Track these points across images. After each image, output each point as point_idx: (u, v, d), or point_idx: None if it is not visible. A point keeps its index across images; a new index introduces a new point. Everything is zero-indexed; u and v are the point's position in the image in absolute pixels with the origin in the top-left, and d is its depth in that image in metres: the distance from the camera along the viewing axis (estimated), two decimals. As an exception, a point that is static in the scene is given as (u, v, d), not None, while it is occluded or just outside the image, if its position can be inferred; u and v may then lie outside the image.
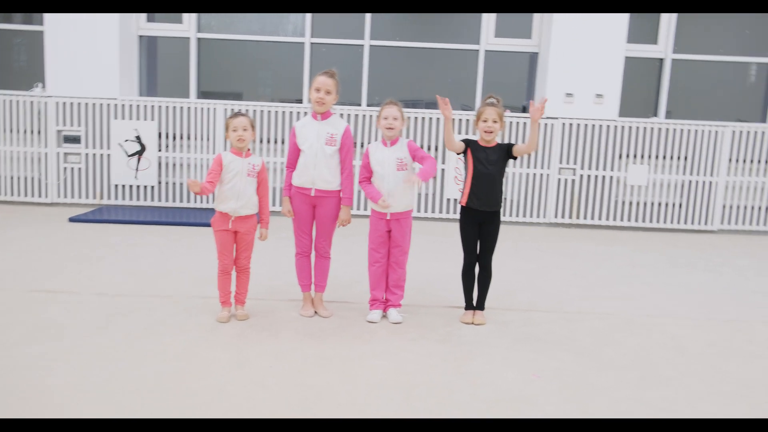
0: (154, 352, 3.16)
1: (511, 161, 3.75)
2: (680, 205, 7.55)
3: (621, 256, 5.94)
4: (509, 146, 3.67)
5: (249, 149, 3.74)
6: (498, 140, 3.75)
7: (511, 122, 7.37)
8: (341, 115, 7.38)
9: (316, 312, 3.88)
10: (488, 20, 7.78)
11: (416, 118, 7.41)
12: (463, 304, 3.88)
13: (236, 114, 3.66)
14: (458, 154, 3.75)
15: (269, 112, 7.44)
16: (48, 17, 7.28)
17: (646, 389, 2.94)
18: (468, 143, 3.69)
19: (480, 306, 3.82)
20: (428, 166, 3.66)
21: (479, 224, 3.73)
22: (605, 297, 4.47)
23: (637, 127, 7.42)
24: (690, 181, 7.49)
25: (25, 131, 7.46)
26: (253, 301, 4.01)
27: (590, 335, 3.65)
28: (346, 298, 4.20)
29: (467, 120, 7.37)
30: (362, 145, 7.47)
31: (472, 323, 3.75)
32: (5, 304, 3.82)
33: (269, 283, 4.50)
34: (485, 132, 3.67)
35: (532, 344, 3.46)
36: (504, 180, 3.76)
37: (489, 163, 3.65)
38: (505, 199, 7.48)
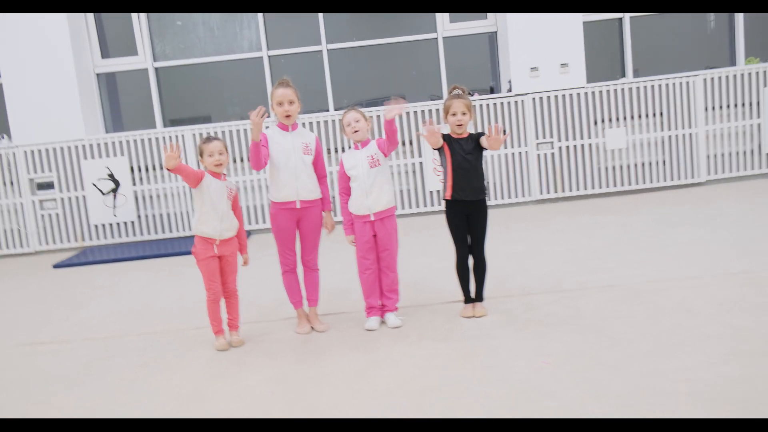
0: (149, 393, 3.04)
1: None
2: (664, 162, 7.50)
3: (612, 223, 5.87)
4: (478, 136, 3.62)
5: (225, 173, 3.65)
6: (470, 129, 3.69)
7: (481, 104, 7.29)
8: (310, 123, 7.28)
9: (312, 328, 3.77)
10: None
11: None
12: (461, 297, 3.79)
13: (209, 139, 3.56)
14: (434, 149, 3.67)
15: (238, 131, 7.31)
16: (5, 68, 7.12)
17: (662, 359, 2.84)
18: (443, 137, 3.61)
19: (479, 297, 3.73)
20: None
21: (466, 215, 3.64)
22: (603, 269, 4.39)
23: (608, 91, 7.37)
24: (670, 137, 7.45)
25: (-4, 185, 7.30)
26: (246, 325, 3.90)
27: (594, 311, 3.57)
28: (341, 309, 4.10)
29: (437, 110, 7.28)
30: (336, 151, 7.36)
31: (473, 316, 3.66)
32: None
33: (260, 303, 4.39)
34: (456, 125, 3.61)
35: (537, 329, 3.37)
36: (484, 166, 3.69)
37: (466, 153, 3.58)
38: (488, 183, 7.40)
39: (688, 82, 7.36)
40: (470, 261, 3.72)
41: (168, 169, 3.34)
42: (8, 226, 7.35)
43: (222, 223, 3.54)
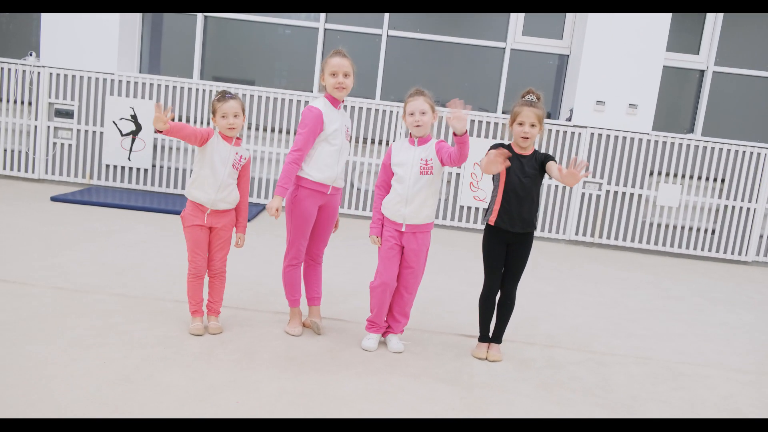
0: (98, 369, 2.60)
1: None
2: (713, 232, 6.94)
3: (650, 284, 5.34)
4: (545, 159, 3.07)
5: (239, 137, 3.19)
6: (535, 146, 3.18)
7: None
8: (352, 107, 6.84)
9: (308, 325, 3.33)
10: (517, 16, 7.19)
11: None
12: (476, 333, 3.30)
13: (224, 97, 3.07)
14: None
15: (283, 99, 6.87)
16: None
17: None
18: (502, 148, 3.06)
19: (497, 339, 3.23)
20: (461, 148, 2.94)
21: (507, 244, 3.14)
22: (638, 335, 3.88)
23: (672, 143, 6.82)
24: (726, 206, 6.88)
25: (15, 101, 6.95)
26: (231, 310, 3.46)
27: (625, 385, 3.06)
28: (341, 315, 3.63)
29: (479, 122, 6.78)
30: (380, 143, 6.92)
31: (486, 359, 3.17)
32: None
33: (256, 289, 3.94)
34: (522, 138, 3.07)
35: (558, 393, 2.87)
36: (540, 194, 3.16)
37: (524, 175, 3.05)
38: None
39: (759, 153, 6.79)
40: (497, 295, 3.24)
41: (158, 132, 2.90)
42: (17, 147, 7.00)
43: (219, 192, 3.07)
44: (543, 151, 6.26)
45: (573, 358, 3.34)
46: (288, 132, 6.94)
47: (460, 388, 2.81)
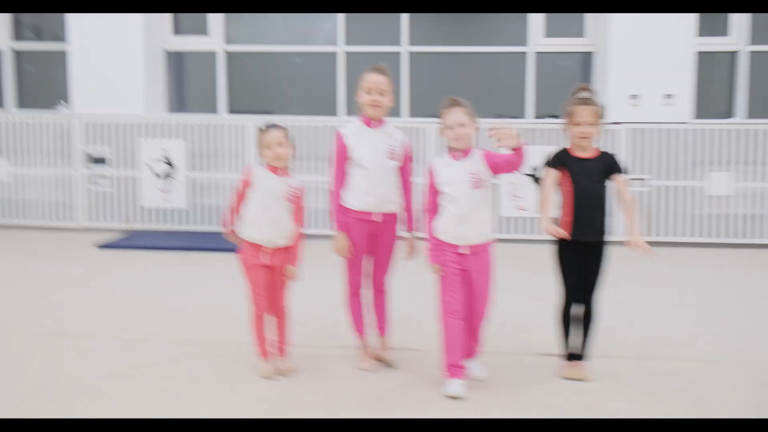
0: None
1: None
2: (773, 217, 6.62)
3: (719, 279, 5.06)
4: (610, 169, 2.89)
5: (287, 167, 3.05)
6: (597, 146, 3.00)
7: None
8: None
9: (377, 360, 3.16)
10: (536, 19, 7.02)
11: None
12: (554, 351, 3.10)
13: (267, 128, 2.98)
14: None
15: (310, 127, 6.77)
16: (73, 36, 6.84)
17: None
18: (559, 160, 2.91)
19: (582, 356, 3.02)
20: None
21: (581, 254, 2.95)
22: (731, 338, 3.60)
23: (716, 130, 6.55)
24: (784, 189, 6.57)
25: (50, 153, 6.96)
26: (296, 348, 3.30)
27: (745, 395, 2.81)
28: (411, 344, 3.43)
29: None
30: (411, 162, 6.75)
31: (576, 379, 2.96)
32: (8, 349, 3.28)
33: (314, 324, 3.77)
34: (580, 138, 2.90)
35: (674, 409, 2.63)
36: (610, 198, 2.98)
37: (591, 179, 2.87)
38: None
39: (814, 132, 6.49)
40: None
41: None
42: (54, 197, 7.00)
43: (275, 228, 2.94)
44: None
45: (669, 369, 3.11)
46: (318, 160, 6.81)
47: (562, 412, 2.61)
